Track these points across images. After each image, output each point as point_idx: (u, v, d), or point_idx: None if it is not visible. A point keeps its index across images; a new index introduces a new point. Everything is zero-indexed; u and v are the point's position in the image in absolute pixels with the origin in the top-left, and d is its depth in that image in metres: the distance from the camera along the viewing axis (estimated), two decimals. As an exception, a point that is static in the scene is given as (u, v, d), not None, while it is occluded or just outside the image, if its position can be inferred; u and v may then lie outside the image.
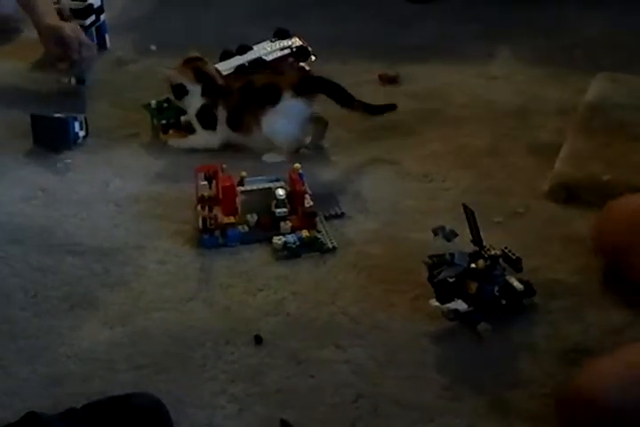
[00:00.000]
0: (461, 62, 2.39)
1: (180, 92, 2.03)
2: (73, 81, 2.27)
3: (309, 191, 1.80)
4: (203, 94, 2.01)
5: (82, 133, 2.08)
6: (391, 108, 2.02)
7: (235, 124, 2.00)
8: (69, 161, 2.03)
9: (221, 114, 2.01)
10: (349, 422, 1.37)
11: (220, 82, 2.03)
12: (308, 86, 1.99)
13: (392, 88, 2.29)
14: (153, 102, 2.13)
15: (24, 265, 1.70)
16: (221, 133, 2.02)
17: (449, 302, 1.51)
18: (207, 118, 2.02)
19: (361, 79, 2.30)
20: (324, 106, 2.02)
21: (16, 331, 1.55)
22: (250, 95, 1.98)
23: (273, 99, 1.96)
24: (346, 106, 1.98)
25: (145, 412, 1.32)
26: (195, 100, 2.02)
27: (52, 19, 2.25)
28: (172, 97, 2.06)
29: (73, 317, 1.58)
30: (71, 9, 2.40)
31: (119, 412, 1.31)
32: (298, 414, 1.38)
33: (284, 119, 1.97)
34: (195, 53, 2.07)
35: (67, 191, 1.93)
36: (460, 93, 2.24)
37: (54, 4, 2.40)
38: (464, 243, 1.56)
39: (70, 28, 2.22)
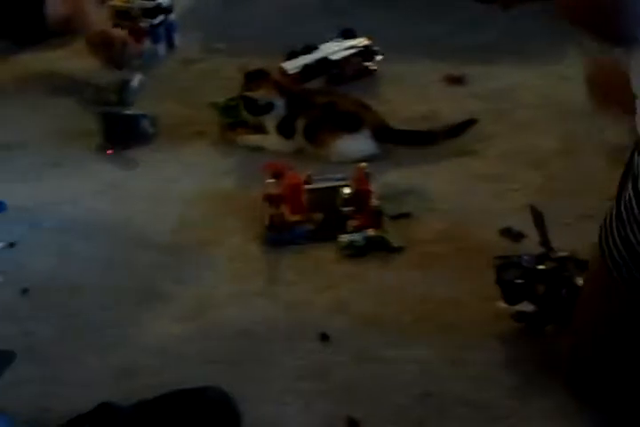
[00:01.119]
0: (529, 62, 2.38)
1: (268, 109, 2.05)
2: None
3: (375, 190, 1.82)
4: (286, 106, 2.04)
5: (151, 131, 2.12)
6: (471, 122, 2.02)
7: (310, 136, 2.02)
8: (138, 157, 2.06)
9: (300, 124, 2.03)
10: (416, 421, 1.38)
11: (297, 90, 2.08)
12: (388, 136, 2.01)
13: (458, 88, 2.29)
14: (221, 101, 2.16)
15: (96, 259, 1.74)
16: (297, 142, 2.04)
17: (516, 303, 1.51)
18: (287, 128, 2.04)
19: (426, 79, 2.31)
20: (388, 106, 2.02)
21: (88, 324, 1.59)
22: (331, 115, 2.01)
23: (351, 128, 1.99)
24: (430, 144, 1.99)
25: (215, 405, 1.35)
26: (277, 113, 2.05)
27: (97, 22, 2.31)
28: (245, 113, 2.08)
29: (144, 311, 1.61)
30: (141, 8, 2.44)
31: (190, 405, 1.34)
32: (364, 411, 1.39)
33: (354, 148, 1.99)
34: (247, 68, 2.08)
35: (136, 187, 1.96)
36: (528, 94, 2.24)
37: (124, 2, 2.45)
38: (532, 244, 1.56)
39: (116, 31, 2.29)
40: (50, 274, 1.70)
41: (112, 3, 2.46)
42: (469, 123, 2.02)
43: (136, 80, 2.31)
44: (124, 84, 2.28)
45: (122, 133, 2.09)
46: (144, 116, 2.11)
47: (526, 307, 1.50)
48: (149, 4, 2.45)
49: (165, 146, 2.10)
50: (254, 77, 2.07)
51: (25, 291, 1.66)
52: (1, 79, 2.37)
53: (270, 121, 2.06)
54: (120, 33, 2.33)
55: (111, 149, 2.08)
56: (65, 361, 1.50)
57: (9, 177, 1.99)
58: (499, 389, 1.42)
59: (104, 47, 2.30)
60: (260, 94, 2.04)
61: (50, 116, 2.22)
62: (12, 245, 1.77)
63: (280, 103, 2.04)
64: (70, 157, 2.06)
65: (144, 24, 2.44)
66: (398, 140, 2.01)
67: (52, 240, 1.79)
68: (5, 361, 1.47)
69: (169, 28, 2.52)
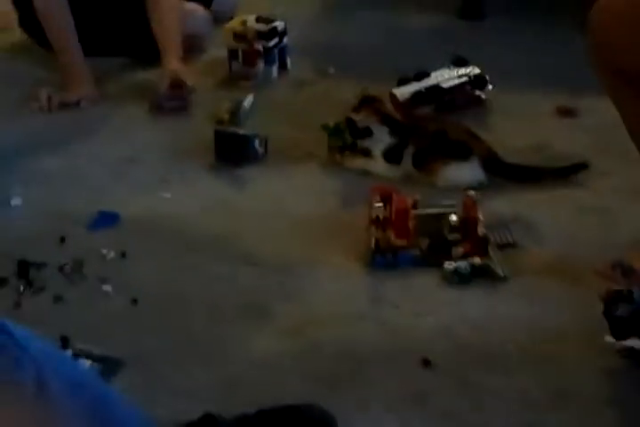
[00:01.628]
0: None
1: (366, 134, 2.07)
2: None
3: (482, 219, 1.81)
4: (392, 133, 2.06)
5: (261, 151, 2.16)
6: (582, 167, 2.00)
7: (418, 163, 2.04)
8: (247, 176, 2.10)
9: (409, 150, 2.05)
10: (518, 455, 1.37)
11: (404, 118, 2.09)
12: (496, 167, 2.01)
13: (569, 121, 2.27)
14: (330, 124, 2.18)
15: (201, 274, 1.77)
16: (404, 168, 2.06)
17: (624, 339, 1.48)
18: (394, 156, 2.06)
19: (537, 110, 2.30)
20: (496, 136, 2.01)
21: (194, 336, 1.62)
22: (441, 143, 2.02)
23: (461, 156, 2.00)
24: (536, 182, 1.99)
25: (316, 424, 1.35)
26: (381, 140, 2.06)
27: (175, 62, 2.37)
28: (348, 136, 2.10)
29: (248, 325, 1.64)
30: (256, 31, 2.50)
31: (291, 422, 1.35)
32: (464, 439, 1.39)
33: (463, 174, 2.00)
34: (367, 92, 2.11)
35: (244, 204, 2.00)
36: (642, 129, 2.20)
37: (240, 25, 2.50)
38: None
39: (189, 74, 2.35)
40: (159, 285, 1.75)
41: (229, 25, 2.53)
42: (581, 167, 2.00)
43: (248, 101, 2.36)
44: (237, 105, 2.33)
45: (233, 152, 2.14)
46: (255, 135, 2.15)
47: (635, 343, 1.47)
48: (265, 28, 2.50)
49: (274, 166, 2.13)
50: (367, 102, 2.09)
51: (134, 301, 1.70)
52: (118, 94, 2.45)
53: (375, 146, 2.08)
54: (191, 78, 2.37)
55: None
56: (171, 371, 1.53)
57: (123, 190, 2.06)
58: (602, 426, 1.40)
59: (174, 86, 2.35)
60: (361, 117, 2.07)
61: (164, 131, 2.29)
62: (123, 255, 1.82)
63: (381, 130, 2.06)
64: (183, 172, 2.11)
65: (258, 46, 2.49)
66: (505, 174, 2.01)
67: (161, 252, 1.84)
68: (113, 368, 1.51)
69: (282, 51, 2.56)
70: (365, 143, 2.09)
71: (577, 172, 1.99)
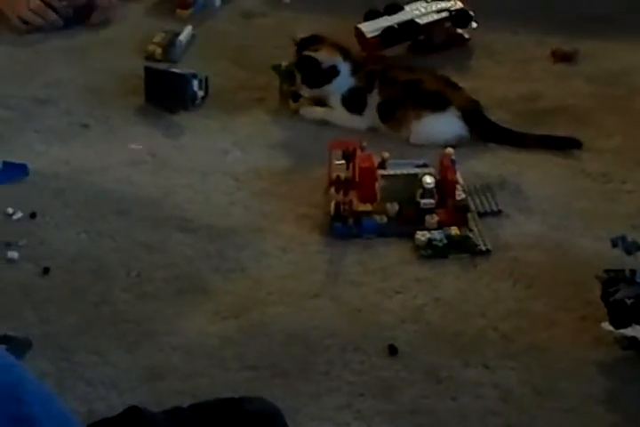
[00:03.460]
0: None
1: (331, 74, 2.05)
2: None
3: (462, 182, 1.82)
4: (354, 74, 2.05)
5: (200, 93, 2.13)
6: (575, 145, 2.00)
7: (385, 115, 2.03)
8: (184, 124, 2.08)
9: (373, 99, 2.04)
10: (495, 457, 1.38)
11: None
12: (477, 122, 2.01)
13: (566, 67, 2.27)
14: (283, 64, 2.15)
15: (128, 240, 1.76)
16: (368, 119, 2.05)
17: (625, 327, 1.50)
18: (356, 102, 2.05)
19: (530, 55, 2.30)
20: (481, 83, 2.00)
21: (116, 315, 1.60)
22: (413, 94, 2.01)
23: (437, 106, 2.00)
24: (517, 145, 2.00)
25: (260, 419, 1.35)
26: (341, 81, 2.06)
27: None
28: (301, 84, 2.08)
29: (180, 303, 1.63)
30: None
31: (231, 417, 1.35)
32: (435, 440, 1.40)
33: (439, 129, 2.00)
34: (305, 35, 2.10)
35: (179, 158, 1.98)
36: (649, 79, 2.22)
37: None
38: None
39: None
40: (75, 253, 1.73)
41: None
42: (572, 144, 2.00)
43: (185, 34, 2.33)
44: (172, 37, 2.30)
45: (166, 94, 2.11)
46: (193, 75, 2.12)
47: (637, 332, 1.49)
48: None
49: (216, 112, 2.11)
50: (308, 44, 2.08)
51: (46, 271, 1.68)
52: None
53: (335, 90, 2.06)
54: None
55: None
56: (87, 356, 1.52)
57: (33, 138, 2.03)
58: (594, 426, 1.42)
59: None
60: (323, 56, 2.05)
61: (83, 67, 2.26)
62: (32, 215, 1.80)
63: (346, 68, 2.05)
64: (105, 117, 2.09)
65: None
66: (485, 133, 2.01)
67: (78, 213, 1.82)
68: (19, 350, 1.50)
69: (227, -25, 2.53)
70: (324, 90, 2.07)
71: (567, 147, 2.00)
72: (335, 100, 2.07)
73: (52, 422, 1.11)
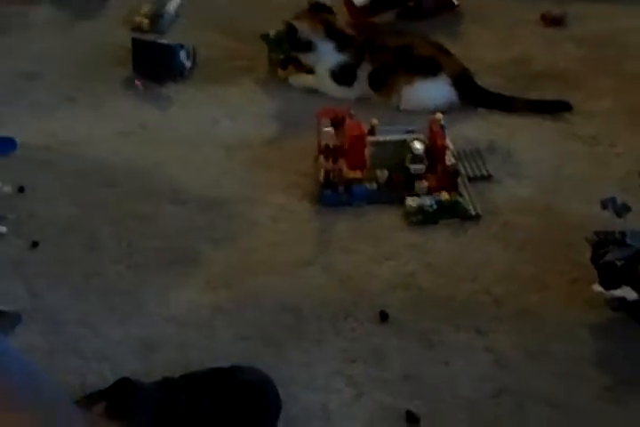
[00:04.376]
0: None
1: (307, 47, 2.05)
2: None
3: (451, 147, 1.80)
4: (340, 50, 2.03)
5: (188, 64, 2.12)
6: (565, 107, 1.99)
7: (376, 83, 2.02)
8: (172, 94, 2.07)
9: (364, 71, 2.03)
10: (488, 421, 1.37)
11: (350, 32, 2.07)
12: (467, 88, 2.00)
13: (556, 31, 2.26)
14: (272, 33, 2.14)
15: (118, 211, 1.75)
16: (358, 89, 2.04)
17: (615, 288, 1.49)
18: (346, 76, 2.04)
19: (520, 18, 2.29)
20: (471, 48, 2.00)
21: (107, 287, 1.60)
22: (404, 60, 2.00)
23: (429, 72, 1.98)
24: (506, 110, 1.98)
25: (251, 388, 1.35)
26: (327, 57, 2.04)
27: None
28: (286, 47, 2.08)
29: (171, 273, 1.63)
30: None
31: (222, 386, 1.34)
32: (427, 406, 1.39)
33: (429, 94, 1.99)
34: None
35: (168, 129, 1.97)
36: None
37: None
38: (638, 219, 1.54)
39: None
40: (65, 226, 1.72)
41: None
42: (563, 107, 1.99)
43: (173, 4, 2.31)
44: (159, 7, 2.28)
45: (154, 65, 2.10)
46: (181, 46, 2.11)
47: (627, 293, 1.48)
48: None
49: (204, 83, 2.10)
50: (316, 10, 2.06)
51: (35, 244, 1.67)
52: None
53: (320, 64, 2.05)
54: None
55: (140, 79, 2.08)
56: (78, 328, 1.52)
57: (20, 111, 2.01)
58: (587, 388, 1.41)
59: None
60: (304, 28, 2.04)
61: (69, 40, 2.24)
62: (21, 189, 1.79)
63: (325, 45, 2.04)
64: (93, 90, 2.07)
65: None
66: (475, 99, 2.00)
67: (67, 186, 1.81)
68: (9, 324, 1.49)
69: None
70: (309, 59, 2.06)
71: (557, 110, 1.98)
72: (323, 74, 2.06)
73: (33, 394, 1.10)
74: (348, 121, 1.80)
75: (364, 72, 2.03)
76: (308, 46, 2.05)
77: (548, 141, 1.91)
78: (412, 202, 1.74)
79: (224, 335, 1.51)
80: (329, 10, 2.08)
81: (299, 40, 2.05)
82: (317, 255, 1.66)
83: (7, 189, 1.79)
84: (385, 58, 2.02)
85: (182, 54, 2.11)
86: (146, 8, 2.30)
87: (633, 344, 1.48)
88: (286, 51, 2.10)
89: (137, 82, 2.06)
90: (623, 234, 1.51)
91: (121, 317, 1.54)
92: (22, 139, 1.90)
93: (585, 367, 1.44)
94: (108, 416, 1.30)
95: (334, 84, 2.05)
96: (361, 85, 2.04)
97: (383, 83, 2.02)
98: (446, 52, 2.03)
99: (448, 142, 1.80)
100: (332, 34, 2.05)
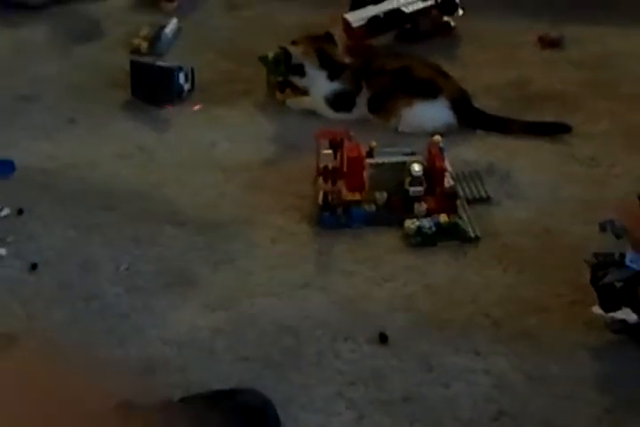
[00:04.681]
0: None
1: (300, 72, 2.06)
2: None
3: (450, 169, 1.81)
4: (333, 79, 2.05)
5: (187, 86, 2.13)
6: (564, 129, 1.99)
7: (376, 107, 2.03)
8: (170, 117, 2.08)
9: (363, 97, 2.04)
10: (488, 444, 1.38)
11: (343, 60, 2.07)
12: (465, 111, 2.01)
13: (553, 53, 2.28)
14: (270, 55, 2.15)
15: (117, 234, 1.75)
16: (357, 114, 2.05)
17: (615, 310, 1.49)
18: (343, 103, 2.05)
19: (518, 41, 2.31)
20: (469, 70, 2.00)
21: (105, 309, 1.60)
22: (403, 83, 2.01)
23: (428, 94, 1.99)
24: (505, 132, 1.99)
25: (251, 411, 1.35)
26: (319, 84, 2.06)
27: None
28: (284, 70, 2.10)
29: (170, 295, 1.63)
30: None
31: (222, 409, 1.34)
32: (427, 428, 1.39)
33: (428, 116, 1.99)
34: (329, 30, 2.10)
35: (167, 152, 1.98)
36: (636, 63, 2.21)
37: None
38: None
39: None
40: (63, 248, 1.72)
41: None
42: (562, 128, 1.99)
43: (171, 27, 2.32)
44: (158, 30, 2.30)
45: (152, 88, 2.10)
46: (179, 68, 2.12)
47: (627, 315, 1.48)
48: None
49: (203, 105, 2.11)
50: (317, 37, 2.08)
51: (34, 266, 1.68)
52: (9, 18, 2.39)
53: (314, 89, 2.06)
54: None
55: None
56: (76, 351, 1.51)
57: (19, 134, 2.02)
58: (588, 411, 1.41)
59: None
60: (297, 53, 2.05)
61: (68, 62, 2.25)
62: (20, 212, 1.79)
63: (319, 74, 2.05)
64: (91, 112, 2.08)
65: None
66: (473, 121, 2.01)
67: (66, 208, 1.81)
68: (5, 347, 1.49)
69: (211, -33, 2.53)
70: (302, 83, 2.08)
71: (556, 132, 1.99)
72: (318, 100, 2.07)
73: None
74: (346, 143, 1.81)
75: (362, 98, 2.04)
76: (302, 71, 2.06)
77: (547, 163, 1.92)
78: (411, 224, 1.74)
79: (223, 357, 1.51)
80: (329, 37, 2.09)
81: (293, 64, 2.06)
82: (316, 277, 1.66)
83: (6, 211, 1.79)
84: (383, 81, 2.03)
85: (181, 76, 2.12)
86: (144, 31, 2.31)
87: (633, 366, 1.48)
88: (284, 73, 2.12)
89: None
90: (622, 255, 1.51)
91: (120, 339, 1.54)
92: (21, 161, 1.91)
93: (585, 390, 1.44)
94: (106, 439, 1.29)
95: (331, 110, 2.06)
96: (360, 110, 2.05)
97: (382, 106, 2.03)
98: (444, 75, 2.04)
99: (447, 164, 1.81)
100: (325, 62, 2.05)
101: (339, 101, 2.06)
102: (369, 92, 2.04)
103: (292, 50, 2.06)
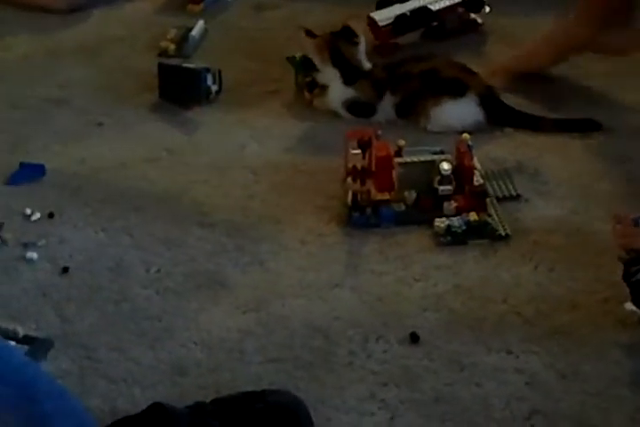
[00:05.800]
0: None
1: (309, 65, 2.07)
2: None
3: (479, 167, 1.81)
4: (349, 84, 2.04)
5: (214, 88, 2.13)
6: (594, 126, 1.98)
7: (404, 111, 2.03)
8: (198, 119, 2.08)
9: (387, 103, 2.04)
10: (522, 443, 1.38)
11: (363, 65, 2.06)
12: (493, 109, 2.00)
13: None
14: (298, 55, 2.15)
15: (147, 236, 1.76)
16: (380, 118, 2.05)
17: (648, 307, 1.49)
18: (361, 111, 2.05)
19: (545, 36, 2.28)
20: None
21: (137, 311, 1.61)
22: (430, 84, 2.01)
23: (456, 92, 1.99)
24: (534, 129, 1.98)
25: (283, 412, 1.35)
26: (337, 87, 2.06)
27: None
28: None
29: (200, 298, 1.63)
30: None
31: (254, 410, 1.35)
32: (460, 427, 1.39)
33: (457, 115, 1.99)
34: (354, 22, 2.08)
35: (195, 153, 1.98)
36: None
37: None
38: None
39: None
40: (94, 251, 1.73)
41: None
42: (592, 126, 1.98)
43: (197, 29, 2.33)
44: (185, 33, 2.31)
45: (180, 90, 2.11)
46: (207, 70, 2.12)
47: (660, 312, 1.48)
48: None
49: (231, 106, 2.11)
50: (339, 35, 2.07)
51: (65, 270, 1.68)
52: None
53: (331, 92, 2.06)
54: None
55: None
56: (108, 353, 1.53)
57: (48, 137, 2.03)
58: (621, 409, 1.41)
59: None
60: (309, 49, 2.06)
61: (96, 66, 2.27)
62: (50, 215, 1.80)
63: (331, 72, 2.05)
64: (120, 115, 2.09)
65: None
66: (502, 118, 2.01)
67: (96, 212, 1.82)
68: (41, 351, 1.50)
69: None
70: (320, 78, 2.08)
71: (586, 130, 1.98)
72: (336, 104, 2.07)
73: (65, 420, 1.11)
74: (375, 142, 1.81)
75: (387, 104, 2.04)
76: (310, 64, 2.07)
77: (577, 160, 1.91)
78: (440, 223, 1.74)
79: (254, 358, 1.51)
80: (348, 32, 2.06)
81: (308, 59, 2.07)
82: (346, 277, 1.66)
83: (37, 215, 1.80)
84: (412, 85, 2.02)
85: (208, 78, 2.12)
86: (171, 33, 2.32)
87: (668, 364, 1.47)
88: (312, 73, 2.12)
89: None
90: (656, 252, 1.50)
91: (151, 341, 1.55)
92: (51, 165, 1.93)
93: (618, 388, 1.44)
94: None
95: (349, 115, 2.06)
96: (384, 114, 2.04)
97: (411, 110, 2.03)
98: (471, 72, 2.04)
99: (476, 163, 1.80)
100: (338, 61, 2.04)
101: (356, 109, 2.05)
102: (397, 98, 2.03)
103: (307, 42, 2.05)
